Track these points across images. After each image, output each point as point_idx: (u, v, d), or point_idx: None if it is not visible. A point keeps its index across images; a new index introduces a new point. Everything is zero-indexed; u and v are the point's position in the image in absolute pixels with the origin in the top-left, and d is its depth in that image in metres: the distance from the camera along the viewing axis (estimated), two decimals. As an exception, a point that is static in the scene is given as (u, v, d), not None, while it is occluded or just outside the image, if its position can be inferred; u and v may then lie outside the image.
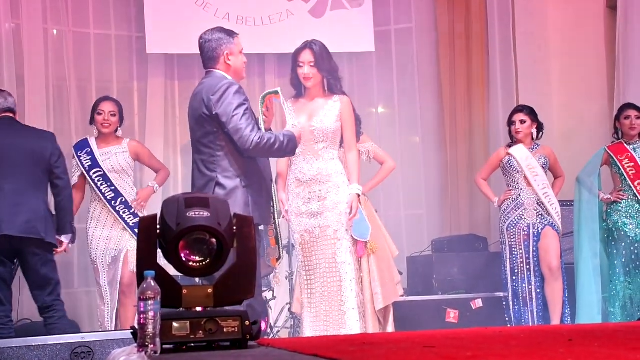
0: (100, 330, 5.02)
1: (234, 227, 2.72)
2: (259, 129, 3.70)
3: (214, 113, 3.64)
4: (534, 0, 6.87)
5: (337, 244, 4.21)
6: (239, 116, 3.61)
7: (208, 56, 3.82)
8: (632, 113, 5.60)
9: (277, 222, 3.90)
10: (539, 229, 5.42)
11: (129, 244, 5.04)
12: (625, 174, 5.51)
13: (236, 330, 2.59)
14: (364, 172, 5.81)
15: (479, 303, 5.68)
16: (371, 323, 4.53)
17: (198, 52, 6.46)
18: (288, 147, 3.75)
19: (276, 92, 3.92)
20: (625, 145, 5.60)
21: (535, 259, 5.39)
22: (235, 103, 3.63)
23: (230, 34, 3.85)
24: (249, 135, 3.60)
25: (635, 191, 5.47)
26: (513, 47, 6.74)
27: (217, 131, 3.67)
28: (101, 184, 5.12)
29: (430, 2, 7.09)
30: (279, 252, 3.99)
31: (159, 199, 5.59)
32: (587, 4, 6.85)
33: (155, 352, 2.44)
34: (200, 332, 2.57)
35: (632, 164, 5.52)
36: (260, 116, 3.84)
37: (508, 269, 5.46)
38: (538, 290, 5.38)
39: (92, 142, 5.22)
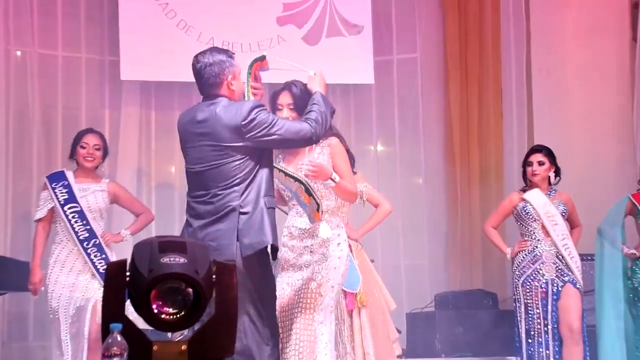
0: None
1: (213, 275, 2.69)
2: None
3: (251, 137, 3.73)
4: (551, 33, 6.96)
5: (318, 299, 4.13)
6: (278, 125, 3.79)
7: (210, 82, 3.80)
8: (660, 156, 5.62)
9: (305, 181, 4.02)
10: (559, 285, 5.37)
11: (98, 294, 4.95)
12: (652, 225, 5.52)
13: (214, 395, 2.53)
14: (357, 216, 5.81)
15: (487, 368, 5.67)
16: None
17: (178, 79, 6.65)
18: (329, 107, 3.96)
19: (263, 58, 4.02)
20: (652, 192, 5.61)
21: (554, 320, 5.33)
22: (267, 117, 3.78)
23: (229, 54, 3.88)
24: (303, 125, 3.82)
25: (664, 245, 5.46)
26: (528, 83, 6.79)
27: (243, 158, 3.77)
28: (76, 222, 5.07)
29: (439, 29, 7.14)
30: (317, 203, 4.02)
31: (131, 241, 5.55)
32: (610, 37, 6.91)
33: (120, 418, 2.38)
34: (172, 396, 2.52)
35: (660, 214, 5.54)
36: (247, 88, 3.92)
37: (523, 330, 5.40)
38: (557, 356, 5.32)
39: (70, 175, 5.19)
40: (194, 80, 6.75)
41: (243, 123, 3.70)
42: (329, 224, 4.14)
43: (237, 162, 3.75)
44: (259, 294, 3.73)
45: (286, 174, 4.05)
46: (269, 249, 3.78)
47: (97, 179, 5.27)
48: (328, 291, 4.12)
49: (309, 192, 4.04)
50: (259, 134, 3.72)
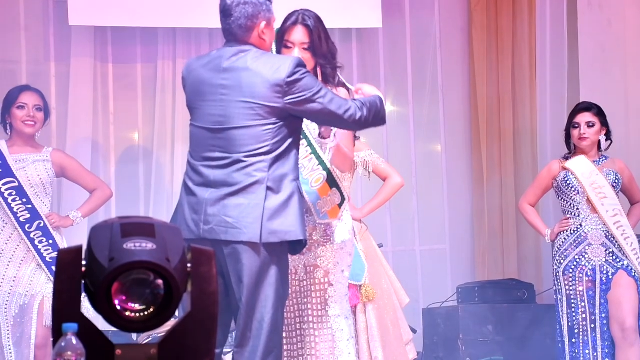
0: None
1: (188, 264, 2.70)
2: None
3: (293, 99, 3.78)
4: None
5: (329, 290, 4.20)
6: (323, 93, 3.84)
7: (240, 24, 3.81)
8: None
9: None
10: (609, 273, 5.45)
11: (45, 289, 5.01)
12: None
13: (190, 409, 2.56)
14: (361, 191, 5.82)
15: (523, 375, 5.78)
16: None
17: (140, 24, 6.65)
18: (382, 114, 4.00)
19: None
20: None
21: (604, 315, 5.41)
22: (313, 80, 3.85)
23: None
24: (351, 106, 3.88)
25: None
26: (572, 24, 6.78)
27: (278, 123, 3.80)
28: (13, 200, 5.11)
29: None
30: (340, 195, 4.13)
31: (86, 223, 5.59)
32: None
33: None
34: (140, 410, 2.55)
35: None
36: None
37: (565, 328, 5.48)
38: (607, 359, 5.40)
39: (3, 144, 5.23)
40: (159, 25, 6.80)
41: (288, 80, 3.73)
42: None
43: (270, 127, 3.77)
44: (275, 291, 3.76)
45: (316, 155, 4.11)
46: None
47: (38, 148, 5.30)
48: (339, 278, 4.20)
49: (332, 181, 4.10)
50: (300, 98, 3.75)
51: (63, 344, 2.44)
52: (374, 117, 3.90)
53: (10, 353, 5.02)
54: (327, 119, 3.87)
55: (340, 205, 4.17)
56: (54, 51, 6.77)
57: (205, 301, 2.69)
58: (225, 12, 3.83)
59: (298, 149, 3.92)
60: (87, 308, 2.67)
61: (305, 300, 4.19)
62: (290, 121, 3.81)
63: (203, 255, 2.74)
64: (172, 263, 2.64)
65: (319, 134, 4.18)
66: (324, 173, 4.12)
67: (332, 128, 4.12)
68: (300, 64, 3.81)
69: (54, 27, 6.74)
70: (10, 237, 5.11)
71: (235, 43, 3.84)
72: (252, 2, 3.82)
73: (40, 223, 5.13)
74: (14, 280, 5.06)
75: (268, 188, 3.72)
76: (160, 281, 2.64)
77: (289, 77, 3.73)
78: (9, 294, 5.04)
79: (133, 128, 6.96)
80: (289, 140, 3.82)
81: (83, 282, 2.67)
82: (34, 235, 5.10)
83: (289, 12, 4.28)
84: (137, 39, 6.89)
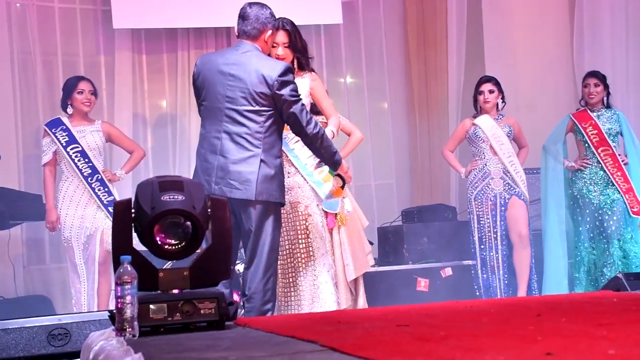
0: (75, 309, 5.02)
1: (209, 210, 2.74)
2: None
3: (278, 93, 3.69)
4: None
5: (308, 219, 4.26)
6: (301, 102, 3.75)
7: (255, 28, 3.79)
8: (591, 81, 5.67)
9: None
10: (506, 198, 5.48)
11: (104, 224, 5.02)
12: (589, 141, 5.58)
13: (213, 312, 2.63)
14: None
15: (448, 271, 5.77)
16: (343, 294, 4.59)
17: (164, 26, 6.60)
18: (333, 151, 3.89)
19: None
20: (589, 112, 5.68)
21: (503, 228, 5.46)
22: (297, 90, 3.77)
23: (273, 13, 3.87)
24: (314, 122, 3.77)
25: (598, 158, 5.55)
26: (479, 18, 6.78)
27: (270, 110, 3.72)
28: (79, 160, 5.08)
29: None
30: (341, 179, 4.07)
31: (130, 176, 5.60)
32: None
33: (134, 336, 2.47)
34: (178, 314, 2.61)
35: (596, 131, 5.59)
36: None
37: (476, 238, 5.52)
38: (504, 259, 5.46)
39: (66, 120, 5.18)
40: (180, 26, 6.75)
41: (278, 79, 3.68)
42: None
43: (263, 113, 3.71)
44: (272, 226, 3.75)
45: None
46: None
47: (91, 121, 5.25)
48: (315, 209, 4.25)
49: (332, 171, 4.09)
50: (285, 95, 3.69)
51: (121, 270, 2.47)
52: (324, 145, 3.81)
53: (82, 268, 5.05)
54: (295, 120, 3.74)
55: (342, 187, 4.17)
56: (102, 47, 6.71)
57: (222, 236, 2.73)
58: (245, 17, 3.80)
59: (281, 134, 3.85)
60: (137, 244, 2.72)
61: (292, 232, 4.24)
62: (277, 112, 3.74)
63: (219, 203, 2.79)
64: (197, 209, 2.68)
65: None
66: (326, 167, 4.12)
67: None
68: (290, 70, 3.77)
69: (102, 29, 6.68)
70: (77, 187, 5.09)
71: (246, 42, 3.80)
72: (265, 15, 3.81)
73: (99, 176, 5.11)
74: (81, 218, 5.05)
75: (262, 160, 3.69)
76: (188, 223, 2.68)
77: (279, 75, 3.69)
78: (79, 227, 5.05)
79: (162, 101, 6.93)
80: (276, 126, 3.76)
81: (133, 224, 2.72)
82: (94, 185, 5.08)
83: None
84: (162, 36, 6.82)
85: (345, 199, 4.46)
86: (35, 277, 6.32)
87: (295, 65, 4.30)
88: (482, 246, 5.50)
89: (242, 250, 5.10)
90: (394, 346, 1.87)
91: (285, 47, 4.20)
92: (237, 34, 3.88)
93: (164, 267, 3.06)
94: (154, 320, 2.59)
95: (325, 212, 4.49)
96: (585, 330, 1.95)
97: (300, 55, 4.30)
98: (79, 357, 2.92)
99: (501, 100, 5.61)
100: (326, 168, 4.14)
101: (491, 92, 5.58)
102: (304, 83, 4.29)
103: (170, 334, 2.57)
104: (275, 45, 4.18)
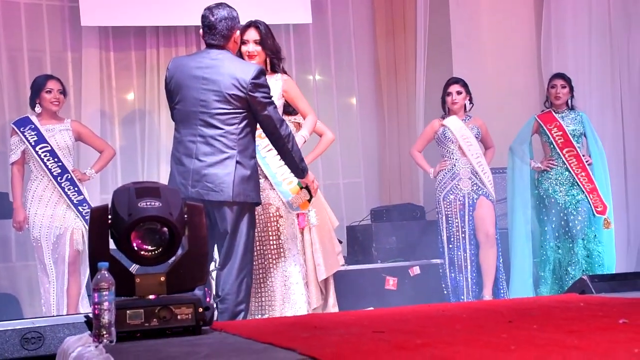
0: (44, 309, 5.00)
1: (185, 216, 2.76)
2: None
3: (252, 95, 3.71)
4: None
5: (279, 220, 4.30)
6: (274, 104, 3.79)
7: (223, 34, 3.80)
8: (558, 82, 5.78)
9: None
10: (474, 198, 5.54)
11: (74, 223, 5.01)
12: (554, 142, 5.68)
13: (190, 317, 2.65)
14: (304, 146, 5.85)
15: (416, 270, 5.82)
16: (314, 294, 4.64)
17: (133, 24, 6.55)
18: (300, 157, 3.94)
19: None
20: (554, 114, 5.79)
21: (471, 228, 5.52)
22: (270, 92, 3.79)
23: (236, 12, 3.87)
24: (285, 124, 3.82)
25: (564, 159, 5.66)
26: (447, 21, 6.86)
27: (244, 112, 3.74)
28: (48, 160, 5.05)
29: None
30: (309, 192, 4.14)
31: (98, 175, 5.58)
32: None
33: (111, 342, 2.49)
34: (155, 319, 2.63)
35: (561, 132, 5.70)
36: None
37: (445, 237, 5.58)
38: (472, 258, 5.51)
39: (35, 119, 5.14)
40: (149, 24, 6.71)
41: (252, 81, 3.71)
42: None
43: (236, 115, 3.73)
44: (247, 227, 3.78)
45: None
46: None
47: (60, 120, 5.22)
48: (284, 212, 4.29)
49: (300, 184, 4.14)
50: (258, 97, 3.72)
51: (99, 277, 2.47)
52: (294, 149, 3.86)
53: (51, 268, 5.02)
54: (268, 121, 3.78)
55: (309, 200, 4.23)
56: (69, 43, 6.65)
57: (198, 242, 2.76)
58: (211, 26, 3.80)
59: (255, 135, 3.87)
60: (113, 250, 2.74)
61: (263, 234, 4.27)
62: (250, 114, 3.77)
63: (195, 209, 2.81)
64: (174, 216, 2.70)
65: None
66: (295, 179, 4.18)
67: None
68: (262, 72, 3.80)
69: (69, 26, 6.61)
70: (46, 186, 5.06)
71: (216, 47, 3.82)
72: (230, 17, 3.82)
73: (68, 176, 5.08)
74: (51, 217, 5.02)
75: (237, 162, 3.72)
76: (165, 229, 2.70)
77: (253, 79, 3.73)
78: (48, 227, 5.02)
79: (130, 98, 6.89)
80: (250, 127, 3.80)
81: (110, 231, 2.73)
82: (64, 185, 5.06)
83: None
84: (130, 34, 6.77)
85: (311, 211, 4.50)
86: (2, 275, 6.27)
87: (268, 67, 4.34)
88: (451, 245, 5.56)
89: (216, 252, 5.14)
90: (372, 355, 1.92)
91: (256, 43, 4.25)
92: (205, 42, 3.89)
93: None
94: (130, 326, 2.61)
95: (296, 212, 4.54)
96: (556, 338, 2.02)
97: (273, 57, 4.34)
98: (53, 362, 2.93)
99: (469, 102, 5.68)
100: (295, 180, 4.18)
101: (459, 93, 5.65)
102: (276, 85, 4.32)
103: (147, 339, 2.59)
104: (245, 42, 4.23)
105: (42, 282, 5.07)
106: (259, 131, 3.94)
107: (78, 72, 6.61)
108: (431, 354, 1.87)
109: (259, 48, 4.26)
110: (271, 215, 4.29)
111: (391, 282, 5.76)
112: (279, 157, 4.04)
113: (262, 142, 4.13)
